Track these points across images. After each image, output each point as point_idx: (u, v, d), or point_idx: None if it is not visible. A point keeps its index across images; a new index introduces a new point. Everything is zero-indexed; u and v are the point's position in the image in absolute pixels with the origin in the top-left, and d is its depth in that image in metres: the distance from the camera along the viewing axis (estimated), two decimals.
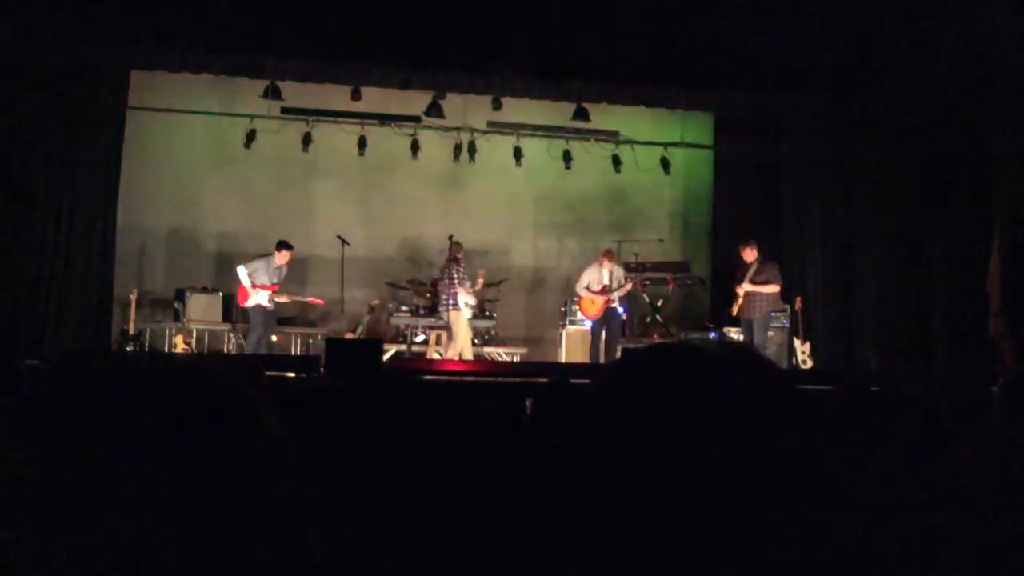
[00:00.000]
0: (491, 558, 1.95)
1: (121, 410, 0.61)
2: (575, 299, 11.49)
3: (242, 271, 10.53)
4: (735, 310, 10.66)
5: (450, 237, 11.28)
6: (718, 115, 13.11)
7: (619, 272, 11.20)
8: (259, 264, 10.56)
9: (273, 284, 10.54)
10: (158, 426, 0.61)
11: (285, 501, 0.65)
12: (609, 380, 0.92)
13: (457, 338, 10.64)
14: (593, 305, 11.02)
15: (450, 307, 10.63)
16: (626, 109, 12.38)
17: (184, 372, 0.66)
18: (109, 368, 0.65)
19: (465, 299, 10.63)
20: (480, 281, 10.85)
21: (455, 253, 10.80)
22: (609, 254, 11.24)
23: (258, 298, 10.46)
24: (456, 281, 10.66)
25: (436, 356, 11.13)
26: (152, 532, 0.57)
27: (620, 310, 11.21)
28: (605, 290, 11.00)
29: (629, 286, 11.24)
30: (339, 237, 10.68)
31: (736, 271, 10.82)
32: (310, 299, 10.95)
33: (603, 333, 11.01)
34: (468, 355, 10.66)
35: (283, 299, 10.69)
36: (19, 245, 10.29)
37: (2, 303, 10.11)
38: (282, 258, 10.63)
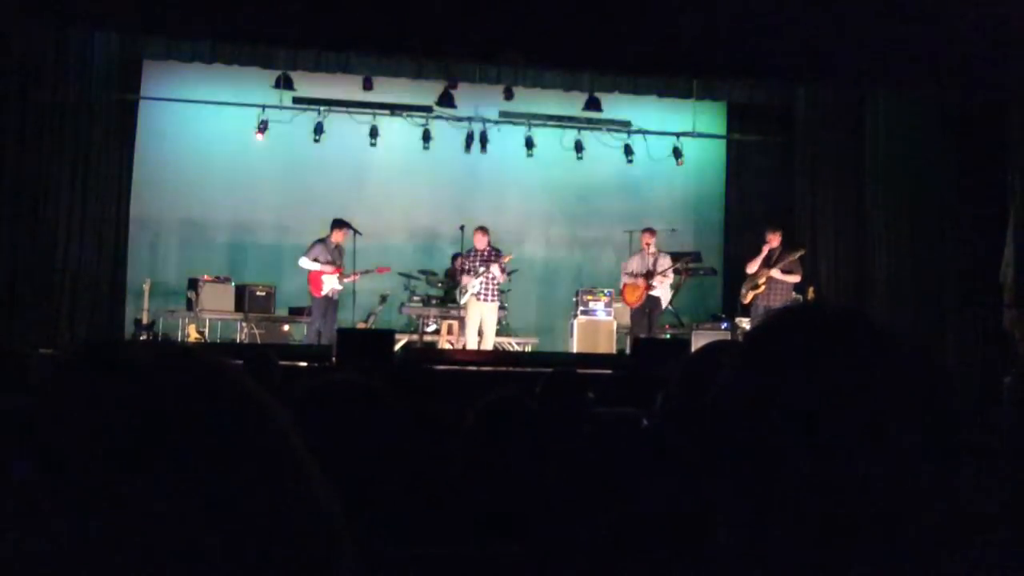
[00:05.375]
0: (498, 549, 1.96)
1: (124, 410, 0.61)
2: (604, 290, 11.22)
3: (304, 261, 10.34)
4: (750, 297, 10.38)
5: (461, 227, 11.29)
6: (730, 104, 13.05)
7: (665, 259, 10.71)
8: (317, 249, 10.36)
9: (336, 266, 10.39)
10: (160, 427, 0.61)
11: (301, 512, 0.64)
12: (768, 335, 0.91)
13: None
14: (633, 292, 10.62)
15: None
16: (638, 99, 12.33)
17: (188, 370, 0.65)
18: (120, 359, 0.66)
19: (462, 286, 10.56)
20: (495, 267, 10.45)
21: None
22: (645, 234, 10.78)
23: (330, 283, 10.27)
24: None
25: (447, 346, 11.13)
26: (155, 538, 0.57)
27: (663, 298, 10.72)
28: (647, 275, 10.61)
29: (670, 270, 10.70)
30: (350, 227, 10.69)
31: (750, 258, 10.52)
32: (378, 268, 10.84)
33: (645, 322, 10.56)
34: (465, 344, 10.58)
35: (351, 278, 10.44)
36: (32, 235, 10.34)
37: (16, 293, 10.17)
38: (338, 236, 10.45)
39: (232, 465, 0.61)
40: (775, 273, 10.22)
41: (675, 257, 11.08)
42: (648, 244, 10.75)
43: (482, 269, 10.38)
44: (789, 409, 0.84)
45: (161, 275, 12.10)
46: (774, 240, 10.37)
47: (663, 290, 10.73)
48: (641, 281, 10.62)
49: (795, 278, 10.32)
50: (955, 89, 10.58)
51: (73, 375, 0.64)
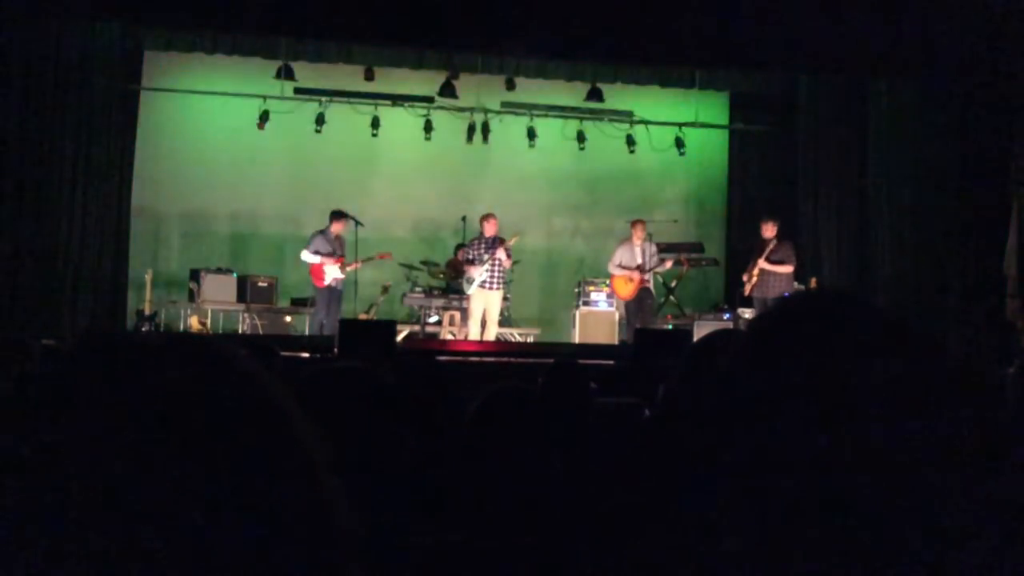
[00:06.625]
0: (500, 539, 1.96)
1: (130, 397, 0.61)
2: (606, 280, 11.18)
3: (306, 255, 10.36)
4: (748, 289, 10.48)
5: (463, 218, 11.24)
6: (733, 94, 13.03)
7: (652, 248, 10.73)
8: (317, 241, 10.38)
9: (338, 256, 10.40)
10: (166, 414, 0.61)
11: (306, 503, 0.64)
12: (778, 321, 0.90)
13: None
14: (627, 285, 10.62)
15: None
16: (640, 89, 12.31)
17: (195, 356, 0.65)
18: (127, 346, 0.65)
19: (468, 276, 10.44)
20: (500, 252, 10.26)
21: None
22: (637, 226, 10.77)
23: (332, 273, 10.29)
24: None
25: (449, 336, 11.13)
26: (156, 536, 0.57)
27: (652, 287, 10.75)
28: (640, 268, 10.64)
29: (669, 264, 10.85)
30: (352, 218, 10.68)
31: (753, 249, 10.67)
32: (378, 255, 10.84)
33: (638, 314, 10.57)
34: (467, 334, 10.53)
35: (353, 266, 10.45)
36: (35, 226, 10.35)
37: (19, 283, 10.18)
38: (337, 227, 10.48)
39: (240, 452, 0.61)
40: (764, 264, 10.28)
41: (672, 247, 11.08)
42: (639, 236, 10.76)
43: (487, 256, 10.30)
44: (791, 399, 0.83)
45: (163, 266, 12.11)
46: (769, 230, 10.43)
47: (652, 280, 10.81)
48: (636, 274, 10.62)
49: (787, 268, 10.33)
50: (959, 77, 10.54)
51: (79, 363, 0.64)
